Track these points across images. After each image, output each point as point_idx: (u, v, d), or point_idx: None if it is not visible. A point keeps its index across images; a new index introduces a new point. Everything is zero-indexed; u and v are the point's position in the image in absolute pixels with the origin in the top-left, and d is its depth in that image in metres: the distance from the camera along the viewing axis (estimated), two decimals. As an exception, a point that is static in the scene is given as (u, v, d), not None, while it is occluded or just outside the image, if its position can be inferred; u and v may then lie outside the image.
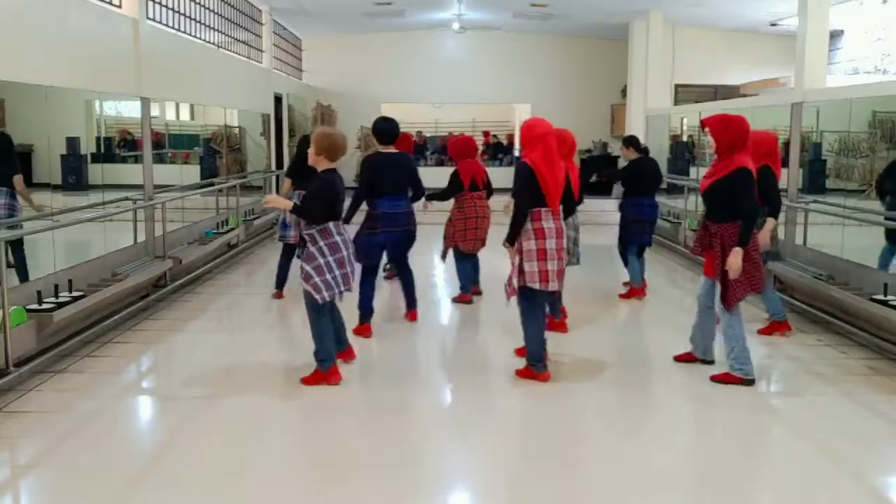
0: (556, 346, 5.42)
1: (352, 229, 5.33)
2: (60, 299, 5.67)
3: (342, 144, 4.82)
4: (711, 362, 5.30)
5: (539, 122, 4.97)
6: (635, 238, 7.34)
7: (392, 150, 6.12)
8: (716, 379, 5.01)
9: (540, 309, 5.04)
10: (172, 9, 9.09)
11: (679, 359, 5.43)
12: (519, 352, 5.34)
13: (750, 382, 4.94)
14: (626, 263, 7.48)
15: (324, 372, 4.86)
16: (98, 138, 8.42)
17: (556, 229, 4.87)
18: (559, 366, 5.26)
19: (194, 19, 9.97)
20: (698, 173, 11.44)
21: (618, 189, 14.68)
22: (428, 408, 4.77)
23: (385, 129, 6.09)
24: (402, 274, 6.45)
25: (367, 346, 5.80)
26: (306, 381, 4.87)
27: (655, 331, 6.68)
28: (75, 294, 5.85)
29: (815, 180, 8.79)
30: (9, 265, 5.22)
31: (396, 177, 6.03)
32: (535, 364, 5.01)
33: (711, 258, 4.97)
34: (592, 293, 7.72)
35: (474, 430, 4.42)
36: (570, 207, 5.45)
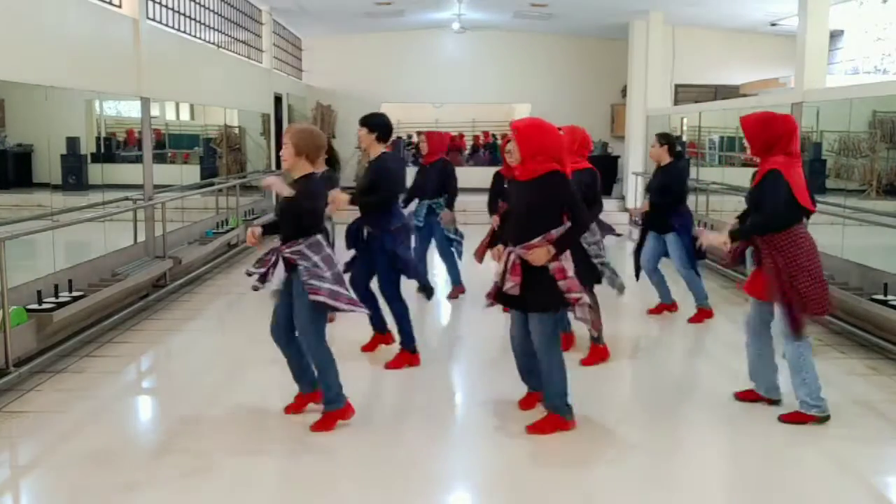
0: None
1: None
2: (60, 299, 5.67)
3: (323, 143, 4.27)
4: (778, 402, 4.63)
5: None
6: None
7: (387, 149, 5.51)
8: (786, 419, 4.44)
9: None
10: (172, 9, 9.09)
11: (741, 397, 4.73)
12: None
13: (825, 419, 4.39)
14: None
15: (339, 408, 4.27)
16: (98, 138, 8.43)
17: None
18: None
19: (194, 19, 9.97)
20: (697, 174, 11.44)
21: (618, 189, 14.78)
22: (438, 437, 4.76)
23: (389, 125, 5.37)
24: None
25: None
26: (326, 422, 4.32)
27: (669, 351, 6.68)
28: (75, 294, 5.85)
29: (815, 180, 8.79)
30: None
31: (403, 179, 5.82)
32: (563, 405, 4.26)
33: (763, 276, 4.36)
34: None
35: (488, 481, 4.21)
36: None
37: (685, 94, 14.92)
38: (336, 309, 4.15)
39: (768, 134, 4.31)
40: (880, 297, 5.84)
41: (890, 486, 3.89)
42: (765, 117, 4.40)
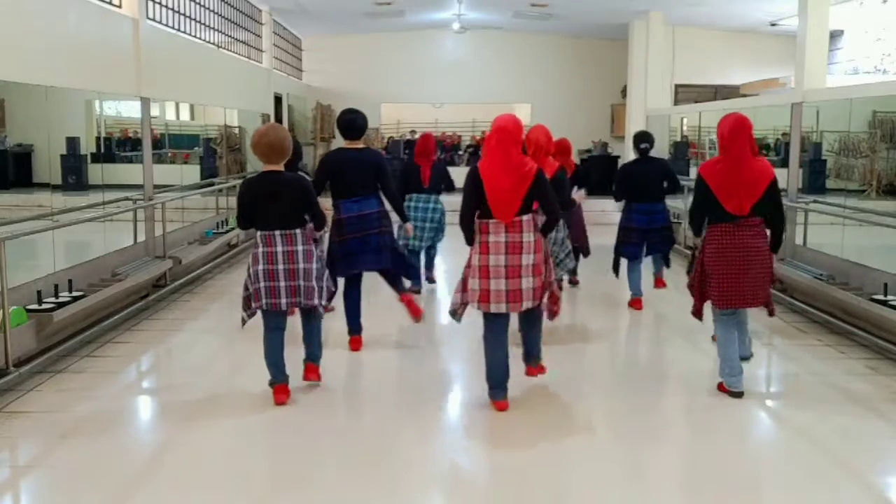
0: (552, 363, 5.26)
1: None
2: (60, 299, 5.67)
3: (272, 143, 4.40)
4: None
5: (497, 119, 4.43)
6: (621, 246, 6.92)
7: (358, 145, 5.48)
8: (719, 388, 4.83)
9: (496, 330, 4.49)
10: (172, 9, 9.09)
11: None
12: None
13: (734, 395, 4.71)
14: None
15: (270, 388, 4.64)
16: (98, 138, 8.44)
17: (509, 244, 4.29)
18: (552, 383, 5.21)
19: (194, 19, 9.97)
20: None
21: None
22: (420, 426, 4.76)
23: (347, 122, 5.43)
24: (393, 284, 5.67)
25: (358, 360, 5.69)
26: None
27: (646, 343, 6.68)
28: (75, 294, 5.85)
29: (816, 180, 8.81)
30: None
31: (359, 174, 5.37)
32: (489, 389, 4.52)
33: None
34: (592, 300, 7.69)
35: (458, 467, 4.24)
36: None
37: (685, 94, 14.92)
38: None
39: (717, 133, 4.63)
40: (880, 297, 5.84)
41: (890, 486, 3.89)
42: (722, 117, 4.65)
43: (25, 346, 5.20)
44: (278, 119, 13.85)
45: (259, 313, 4.57)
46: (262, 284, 4.42)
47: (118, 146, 9.34)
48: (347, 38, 16.71)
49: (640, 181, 6.73)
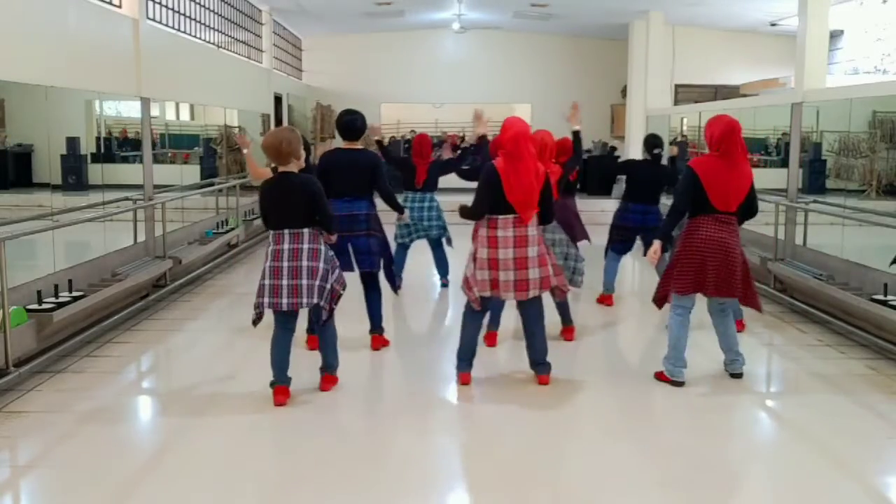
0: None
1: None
2: (60, 299, 5.67)
3: (271, 145, 4.47)
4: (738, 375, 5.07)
5: (513, 124, 4.75)
6: (612, 243, 7.11)
7: (355, 146, 5.54)
8: (657, 376, 5.05)
9: (477, 314, 4.87)
10: (172, 9, 9.10)
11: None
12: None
13: (676, 384, 4.93)
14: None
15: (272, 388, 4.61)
16: (98, 138, 8.43)
17: (517, 238, 4.63)
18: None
19: (194, 19, 9.98)
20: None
21: (617, 189, 14.76)
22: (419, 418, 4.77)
23: (346, 122, 5.50)
24: (368, 291, 5.66)
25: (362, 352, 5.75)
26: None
27: (634, 338, 6.68)
28: (75, 294, 5.85)
29: (815, 180, 8.80)
30: None
31: (353, 175, 5.43)
32: (458, 363, 4.89)
33: None
34: (586, 297, 7.68)
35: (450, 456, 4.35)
36: (545, 215, 4.84)
37: (685, 94, 14.91)
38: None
39: (707, 133, 4.80)
40: (880, 297, 5.84)
41: (890, 486, 3.89)
42: (711, 119, 4.83)
43: (25, 346, 5.20)
44: (278, 119, 13.85)
45: (271, 312, 4.57)
46: (266, 282, 4.48)
47: (119, 146, 9.34)
48: (347, 38, 16.71)
49: (644, 182, 6.85)
